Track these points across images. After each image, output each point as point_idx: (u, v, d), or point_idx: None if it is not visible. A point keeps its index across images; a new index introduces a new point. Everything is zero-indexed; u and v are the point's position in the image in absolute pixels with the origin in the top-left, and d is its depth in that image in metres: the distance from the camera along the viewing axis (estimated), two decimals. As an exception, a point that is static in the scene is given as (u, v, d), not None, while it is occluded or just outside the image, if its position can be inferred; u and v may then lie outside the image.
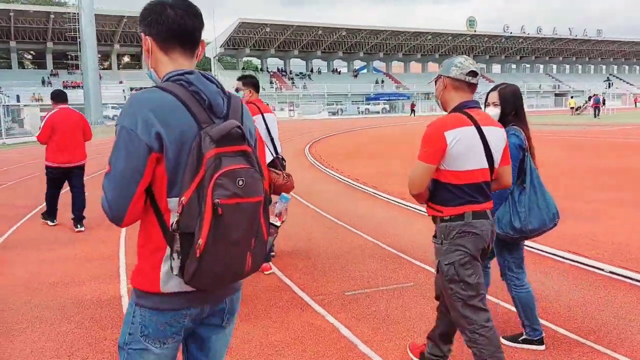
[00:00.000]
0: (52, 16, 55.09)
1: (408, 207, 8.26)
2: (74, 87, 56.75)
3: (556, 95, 76.49)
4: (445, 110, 2.71)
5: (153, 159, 1.35)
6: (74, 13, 54.53)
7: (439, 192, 2.61)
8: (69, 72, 61.55)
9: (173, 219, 1.39)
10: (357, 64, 75.75)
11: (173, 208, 1.39)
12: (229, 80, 64.00)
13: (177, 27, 1.48)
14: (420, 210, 7.78)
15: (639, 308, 4.14)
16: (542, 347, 3.31)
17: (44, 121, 7.71)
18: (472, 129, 2.52)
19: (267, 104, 6.12)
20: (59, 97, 7.67)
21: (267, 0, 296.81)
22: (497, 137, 2.68)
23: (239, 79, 5.78)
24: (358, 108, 61.69)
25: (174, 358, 1.66)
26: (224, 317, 1.65)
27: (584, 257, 5.43)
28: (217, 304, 1.60)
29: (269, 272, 5.49)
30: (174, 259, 1.37)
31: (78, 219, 7.49)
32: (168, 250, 1.42)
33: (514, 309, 3.48)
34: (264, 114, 5.56)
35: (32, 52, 62.31)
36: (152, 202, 1.45)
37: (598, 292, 4.52)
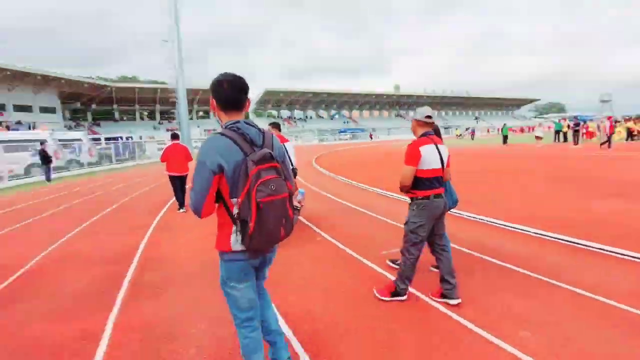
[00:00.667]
0: (158, 90, 60.25)
1: (395, 197, 7.49)
2: (172, 130, 64.02)
3: (445, 128, 75.32)
4: (416, 136, 2.86)
5: (216, 178, 1.60)
6: (170, 89, 63.22)
7: (415, 183, 2.75)
8: (169, 122, 65.75)
9: (235, 210, 1.62)
10: (332, 112, 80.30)
11: (234, 204, 1.62)
12: (259, 122, 71.99)
13: (229, 99, 1.70)
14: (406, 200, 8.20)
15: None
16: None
17: (163, 150, 7.76)
18: (432, 145, 2.75)
19: (283, 136, 5.45)
20: (173, 136, 7.94)
21: (282, 74, 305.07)
22: (445, 151, 2.86)
23: (269, 124, 5.59)
24: (334, 137, 64.99)
25: (254, 287, 1.82)
26: (267, 262, 1.90)
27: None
28: (265, 256, 1.83)
29: None
30: (237, 234, 1.62)
31: (181, 205, 7.62)
32: (234, 227, 1.65)
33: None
34: (285, 144, 5.24)
35: (147, 110, 67.21)
36: (223, 201, 1.67)
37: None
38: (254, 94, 71.20)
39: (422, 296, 3.04)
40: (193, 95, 63.49)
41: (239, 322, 1.81)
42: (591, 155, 14.77)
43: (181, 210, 7.46)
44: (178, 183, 7.63)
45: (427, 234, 2.82)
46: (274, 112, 77.24)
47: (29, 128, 34.73)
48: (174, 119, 67.79)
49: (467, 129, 52.51)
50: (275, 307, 2.14)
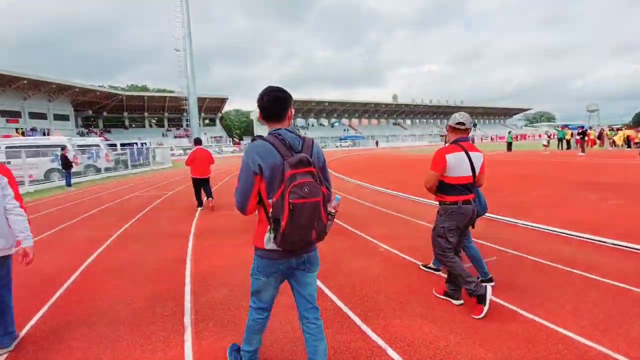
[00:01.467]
0: (167, 99, 60.22)
1: (407, 198, 7.92)
2: (180, 137, 60.88)
3: (441, 136, 74.38)
4: (448, 142, 2.79)
5: (258, 179, 1.67)
6: (179, 97, 62.33)
7: (444, 188, 2.69)
8: (177, 129, 65.02)
9: (271, 210, 1.65)
10: (333, 120, 79.89)
11: (271, 204, 1.65)
12: (262, 131, 72.33)
13: (268, 111, 1.77)
14: (414, 199, 8.45)
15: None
16: (494, 283, 3.06)
17: (189, 154, 7.84)
18: (462, 153, 2.64)
19: None
20: (197, 142, 8.18)
21: (281, 84, 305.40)
22: (477, 157, 2.74)
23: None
24: (335, 145, 64.69)
25: (277, 288, 1.88)
26: (306, 266, 1.82)
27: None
28: (299, 258, 1.78)
29: None
30: (271, 232, 1.66)
31: (209, 195, 7.86)
32: (269, 227, 1.69)
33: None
34: None
35: (155, 118, 66.52)
36: (261, 200, 1.73)
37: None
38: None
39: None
40: (199, 104, 62.31)
41: (254, 307, 1.93)
42: (609, 163, 14.33)
43: (200, 208, 7.84)
44: (200, 185, 7.86)
45: (456, 239, 2.72)
46: (278, 120, 76.84)
47: (44, 135, 34.26)
48: (181, 126, 67.77)
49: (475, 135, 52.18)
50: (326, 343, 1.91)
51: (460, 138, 2.77)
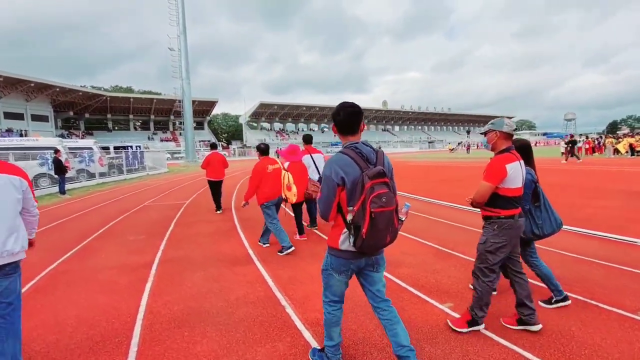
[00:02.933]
0: (154, 101, 58.03)
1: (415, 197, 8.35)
2: (167, 141, 59.27)
3: (429, 142, 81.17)
4: (493, 151, 2.54)
5: (339, 189, 1.80)
6: (167, 99, 60.46)
7: (499, 201, 2.45)
8: (163, 132, 63.48)
9: (349, 216, 1.79)
10: (322, 125, 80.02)
11: (349, 212, 1.79)
12: (253, 134, 72.65)
13: (345, 125, 1.89)
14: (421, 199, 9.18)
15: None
16: (569, 302, 2.90)
17: (205, 158, 8.05)
18: (517, 163, 2.44)
19: (316, 148, 5.85)
20: (212, 146, 8.53)
21: (268, 88, 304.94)
22: (525, 169, 2.58)
23: (303, 137, 6.10)
24: (327, 150, 61.64)
25: (347, 283, 2.02)
26: (374, 265, 1.98)
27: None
28: (369, 259, 1.94)
29: (304, 239, 5.38)
30: (351, 237, 1.79)
31: (218, 207, 7.88)
32: (345, 230, 1.84)
33: (541, 284, 3.03)
34: (312, 154, 5.64)
35: (140, 120, 63.47)
36: (339, 208, 1.86)
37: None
38: (247, 107, 70.15)
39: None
40: (171, 105, 59.19)
41: (327, 301, 2.07)
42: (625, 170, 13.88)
43: (219, 212, 7.78)
44: (216, 187, 8.00)
45: (505, 256, 2.54)
46: (267, 125, 75.74)
47: (20, 136, 31.70)
48: (168, 129, 65.60)
49: (459, 143, 52.21)
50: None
51: (510, 146, 2.51)
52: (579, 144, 24.95)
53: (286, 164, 5.29)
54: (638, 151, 22.74)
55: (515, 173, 2.43)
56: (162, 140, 60.45)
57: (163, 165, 24.21)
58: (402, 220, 1.93)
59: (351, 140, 1.89)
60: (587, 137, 27.67)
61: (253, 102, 66.79)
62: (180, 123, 71.88)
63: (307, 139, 5.89)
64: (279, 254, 4.65)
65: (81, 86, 50.35)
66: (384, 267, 2.04)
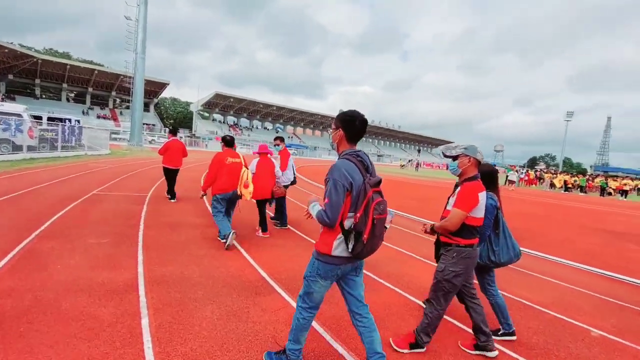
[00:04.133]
0: (95, 72, 51.93)
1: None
2: (104, 118, 53.83)
3: (378, 156, 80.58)
4: (461, 176, 2.52)
5: (347, 194, 1.81)
6: (110, 72, 54.12)
7: (460, 229, 2.42)
8: (101, 108, 57.05)
9: (348, 222, 1.82)
10: (277, 125, 77.78)
11: (350, 217, 1.82)
12: (205, 125, 68.41)
13: (357, 133, 1.93)
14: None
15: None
16: (515, 338, 2.89)
17: (164, 143, 7.72)
18: (484, 192, 2.47)
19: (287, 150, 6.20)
20: (173, 132, 7.95)
21: (220, 80, 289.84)
22: (488, 194, 2.60)
23: (275, 138, 6.16)
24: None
25: (329, 287, 2.00)
26: (357, 269, 2.02)
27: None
28: (354, 263, 1.96)
29: (266, 236, 5.36)
30: (350, 242, 1.80)
31: (172, 196, 7.66)
32: (340, 236, 1.85)
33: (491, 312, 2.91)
34: (290, 157, 6.10)
35: (75, 91, 56.93)
36: None
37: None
38: (200, 95, 66.24)
39: None
40: (114, 80, 54.38)
41: (305, 307, 2.02)
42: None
43: (172, 201, 7.60)
44: (172, 175, 7.72)
45: (461, 284, 2.52)
46: (220, 117, 72.14)
47: None
48: (107, 105, 59.22)
49: (409, 160, 54.23)
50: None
51: (477, 174, 2.49)
52: (522, 175, 26.94)
53: (255, 161, 5.33)
54: (570, 187, 25.27)
55: (482, 202, 2.44)
56: (98, 117, 54.41)
57: (104, 146, 21.17)
58: (387, 228, 1.96)
59: (352, 148, 1.94)
60: (527, 170, 29.88)
61: (207, 91, 64.53)
62: (123, 100, 65.68)
63: (282, 139, 6.17)
64: (221, 240, 4.68)
65: (9, 43, 42.96)
66: (363, 269, 2.08)
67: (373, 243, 1.81)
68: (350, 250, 1.80)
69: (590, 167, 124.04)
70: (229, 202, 4.90)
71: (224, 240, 4.57)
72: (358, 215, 1.77)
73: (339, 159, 1.92)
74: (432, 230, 2.63)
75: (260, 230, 5.46)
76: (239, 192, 4.75)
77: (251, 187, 4.80)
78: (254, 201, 5.35)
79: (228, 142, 5.11)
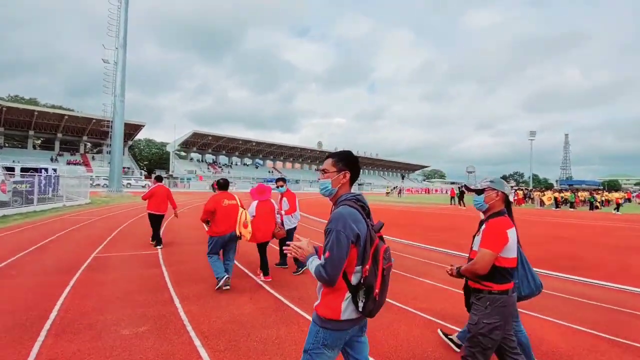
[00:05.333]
0: (65, 117, 49.70)
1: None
2: (75, 164, 50.40)
3: (359, 184, 77.93)
4: (487, 211, 2.35)
5: (352, 247, 1.58)
6: (83, 117, 52.59)
7: (491, 273, 2.17)
8: (71, 154, 54.35)
9: (356, 277, 1.60)
10: (257, 161, 76.83)
11: (358, 271, 1.60)
12: (180, 165, 66.01)
13: (357, 175, 1.79)
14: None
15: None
16: None
17: (149, 189, 7.72)
18: (514, 229, 2.25)
19: (290, 190, 5.97)
20: (158, 179, 7.99)
21: (193, 119, 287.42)
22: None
23: (277, 180, 6.03)
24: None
25: (335, 357, 1.71)
26: (363, 328, 1.76)
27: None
28: (361, 324, 1.73)
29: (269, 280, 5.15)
30: (361, 301, 1.56)
31: (158, 242, 7.48)
32: (348, 295, 1.59)
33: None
34: (296, 197, 5.98)
35: (43, 138, 53.73)
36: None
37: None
38: (176, 135, 64.79)
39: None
40: (105, 128, 52.98)
41: None
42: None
43: (159, 247, 7.37)
44: (157, 221, 7.62)
45: (500, 337, 2.15)
46: (198, 155, 70.53)
47: None
48: (77, 150, 56.48)
49: (395, 187, 54.64)
50: None
51: (504, 209, 2.29)
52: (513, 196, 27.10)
53: (254, 203, 5.22)
54: (559, 204, 25.64)
55: (513, 240, 2.20)
56: (69, 163, 51.13)
57: (83, 195, 19.25)
58: None
59: (350, 192, 1.76)
60: (515, 189, 30.30)
61: (181, 131, 63.11)
62: (94, 145, 63.12)
63: (283, 180, 6.05)
64: (216, 288, 4.58)
65: (-33, 91, 40.51)
66: (367, 327, 1.81)
67: (383, 296, 1.61)
68: (361, 309, 1.57)
69: (556, 181, 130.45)
70: (227, 245, 4.90)
71: (218, 285, 4.59)
72: (367, 267, 1.57)
73: (338, 205, 1.66)
74: (459, 274, 2.32)
75: (261, 274, 5.27)
76: (238, 233, 4.75)
77: (250, 227, 4.83)
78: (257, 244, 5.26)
79: (222, 185, 5.15)
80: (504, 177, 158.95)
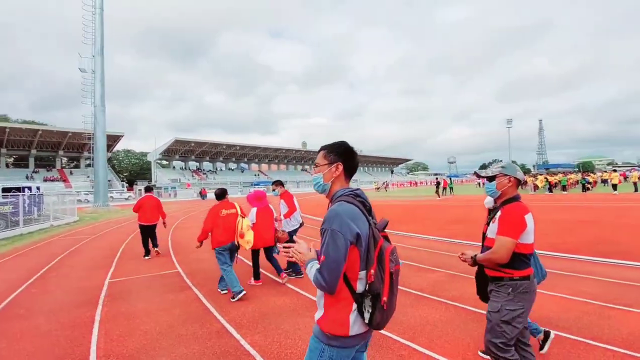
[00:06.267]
0: (39, 133, 47.45)
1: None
2: (52, 180, 48.61)
3: (376, 188, 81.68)
4: (500, 198, 2.28)
5: (351, 249, 1.36)
6: (58, 131, 50.18)
7: (512, 260, 2.10)
8: (47, 170, 51.67)
9: (360, 284, 1.38)
10: (242, 165, 75.46)
11: (362, 277, 1.38)
12: (162, 174, 63.80)
13: (355, 168, 1.59)
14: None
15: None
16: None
17: (137, 200, 7.85)
18: (531, 214, 2.18)
19: (288, 191, 5.89)
20: (147, 189, 8.13)
21: (171, 126, 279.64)
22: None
23: (273, 182, 5.95)
24: (249, 190, 60.61)
25: None
26: (366, 344, 1.56)
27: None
28: (367, 338, 1.50)
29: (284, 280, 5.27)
30: (367, 311, 1.35)
31: (155, 245, 7.79)
32: (354, 305, 1.37)
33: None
34: (293, 197, 5.83)
35: (15, 156, 51.21)
36: (344, 275, 1.38)
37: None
38: (157, 144, 62.87)
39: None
40: (83, 141, 50.75)
41: None
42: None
43: (146, 257, 7.44)
44: (148, 232, 7.68)
45: (523, 325, 2.10)
46: (181, 163, 68.64)
47: None
48: (53, 166, 53.88)
49: (384, 182, 54.72)
50: None
51: (518, 194, 2.23)
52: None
53: (253, 210, 5.20)
54: (553, 186, 26.05)
55: (531, 225, 2.15)
56: (45, 180, 48.85)
57: (70, 212, 17.90)
58: None
59: (348, 187, 1.54)
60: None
61: (160, 140, 62.42)
62: (71, 159, 60.42)
63: (282, 183, 5.93)
64: (232, 300, 4.52)
65: None
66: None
67: (392, 304, 1.39)
68: (368, 321, 1.34)
69: (533, 166, 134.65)
70: (231, 252, 4.89)
71: (232, 294, 4.61)
72: (372, 271, 1.34)
73: (335, 202, 1.47)
74: (474, 262, 2.25)
75: (252, 279, 5.38)
76: (236, 243, 4.82)
77: (247, 236, 4.83)
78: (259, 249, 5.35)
79: (218, 195, 5.12)
80: (484, 166, 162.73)
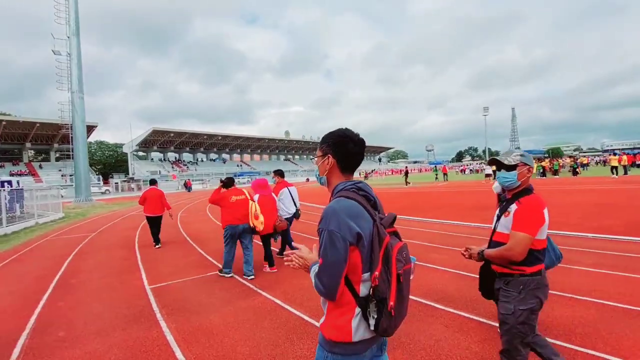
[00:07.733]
0: (2, 124, 43.37)
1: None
2: (20, 175, 45.42)
3: (366, 175, 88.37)
4: (518, 188, 2.10)
5: (350, 250, 1.22)
6: (24, 121, 46.42)
7: (525, 256, 1.96)
8: (13, 164, 48.18)
9: (364, 288, 1.24)
10: (224, 155, 73.17)
11: (366, 280, 1.24)
12: (144, 166, 61.08)
13: (354, 159, 1.38)
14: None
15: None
16: None
17: (143, 193, 8.05)
18: (546, 207, 2.03)
19: (287, 182, 6.15)
20: (151, 182, 8.37)
21: (142, 116, 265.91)
22: None
23: (274, 172, 6.31)
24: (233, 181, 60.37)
25: None
26: (382, 346, 1.42)
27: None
28: (380, 342, 1.38)
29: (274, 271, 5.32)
30: (373, 317, 1.21)
31: (158, 241, 7.86)
32: (358, 310, 1.24)
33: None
34: (289, 187, 6.05)
35: (-25, 149, 47.78)
36: (346, 278, 1.25)
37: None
38: (133, 135, 59.72)
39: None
40: (52, 132, 47.70)
41: None
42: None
43: (157, 246, 7.72)
44: (155, 223, 7.93)
45: (536, 322, 2.02)
46: (159, 154, 65.69)
47: None
48: (20, 159, 49.93)
49: (372, 170, 55.37)
50: None
51: (531, 186, 2.08)
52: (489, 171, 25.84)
53: (256, 197, 5.29)
54: (548, 171, 26.63)
55: (547, 221, 2.00)
56: (12, 175, 45.20)
57: (55, 209, 16.22)
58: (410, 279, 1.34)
59: (349, 180, 1.37)
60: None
61: (137, 131, 59.15)
62: (39, 152, 56.33)
63: (281, 173, 6.20)
64: (219, 273, 5.22)
65: None
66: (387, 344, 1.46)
67: (402, 309, 1.23)
68: (373, 327, 1.20)
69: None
70: (242, 236, 5.19)
71: (220, 271, 5.25)
72: (377, 272, 1.19)
73: (333, 198, 1.31)
74: (482, 258, 2.12)
75: (267, 266, 5.45)
76: (251, 224, 5.06)
77: (261, 218, 5.07)
78: (260, 236, 5.49)
79: (226, 184, 5.47)
80: (460, 153, 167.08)
